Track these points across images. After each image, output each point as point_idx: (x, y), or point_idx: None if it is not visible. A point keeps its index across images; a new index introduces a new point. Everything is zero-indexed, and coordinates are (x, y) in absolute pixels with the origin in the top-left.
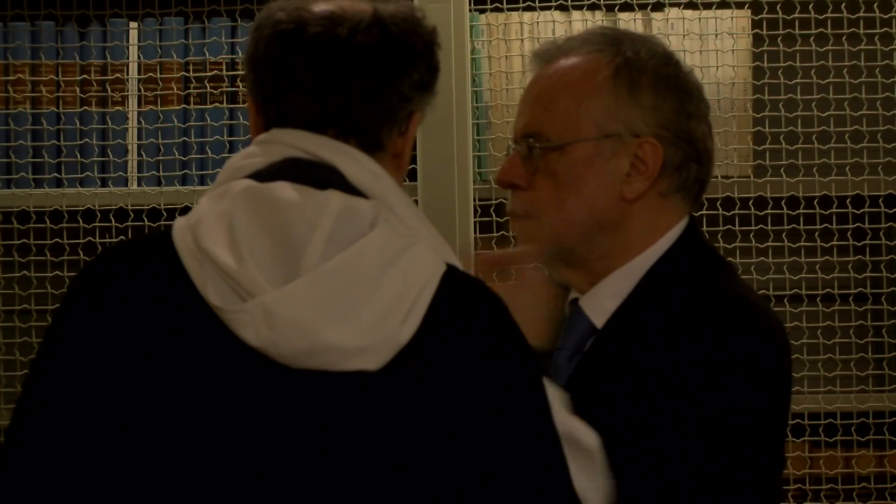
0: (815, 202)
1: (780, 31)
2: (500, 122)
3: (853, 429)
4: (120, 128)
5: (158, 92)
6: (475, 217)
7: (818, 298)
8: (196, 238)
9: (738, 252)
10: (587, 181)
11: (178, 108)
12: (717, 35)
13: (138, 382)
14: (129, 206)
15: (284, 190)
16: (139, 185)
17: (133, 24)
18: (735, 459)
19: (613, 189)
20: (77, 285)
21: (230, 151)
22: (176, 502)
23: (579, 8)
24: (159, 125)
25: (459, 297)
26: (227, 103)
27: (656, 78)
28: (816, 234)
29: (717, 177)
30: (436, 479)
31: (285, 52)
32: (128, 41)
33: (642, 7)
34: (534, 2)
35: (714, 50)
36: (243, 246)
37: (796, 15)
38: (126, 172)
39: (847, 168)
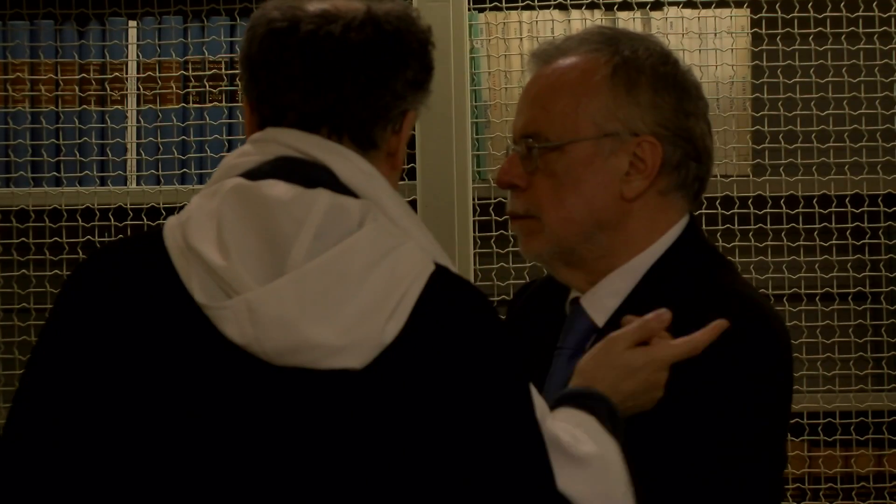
0: (814, 201)
1: (780, 30)
2: (498, 122)
3: (852, 428)
4: (119, 127)
5: (157, 91)
6: (474, 216)
7: (817, 298)
8: (185, 235)
9: (737, 251)
10: (586, 180)
11: (177, 106)
12: (716, 34)
13: (125, 379)
14: (128, 205)
15: (273, 188)
16: (138, 183)
17: (132, 23)
18: (739, 457)
19: (613, 188)
20: (69, 284)
21: (229, 150)
22: (159, 497)
23: (578, 7)
24: (158, 124)
25: (446, 298)
26: (226, 102)
27: (654, 76)
28: (815, 233)
29: (715, 176)
30: (417, 479)
31: (279, 50)
32: (127, 40)
33: (641, 6)
34: (532, 1)
35: (713, 49)
36: (230, 243)
37: (795, 14)
38: (125, 171)
39: (846, 167)
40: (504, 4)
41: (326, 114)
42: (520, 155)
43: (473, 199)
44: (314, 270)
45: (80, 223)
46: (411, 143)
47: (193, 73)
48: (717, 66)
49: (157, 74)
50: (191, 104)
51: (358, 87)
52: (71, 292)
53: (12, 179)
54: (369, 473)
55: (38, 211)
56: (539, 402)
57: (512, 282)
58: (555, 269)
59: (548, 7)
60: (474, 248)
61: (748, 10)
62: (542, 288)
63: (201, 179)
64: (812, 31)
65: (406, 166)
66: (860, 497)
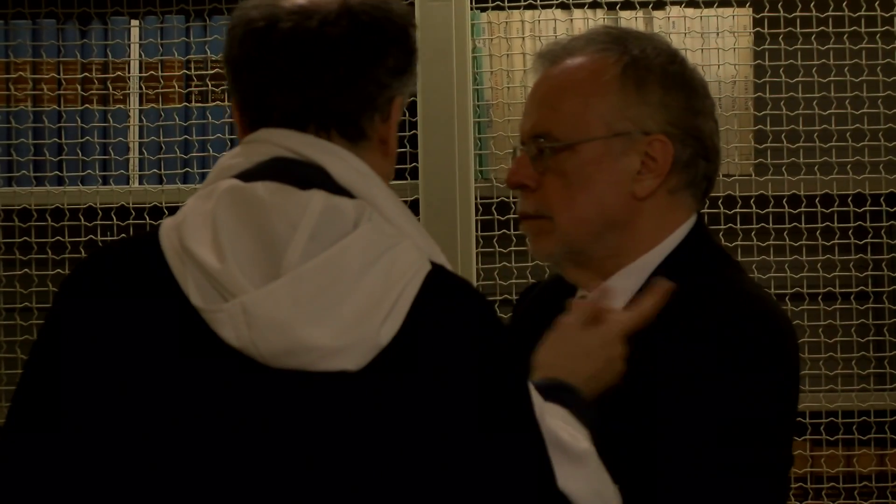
0: (817, 201)
1: (782, 30)
2: (501, 121)
3: (854, 427)
4: (121, 126)
5: (160, 90)
6: (476, 215)
7: (819, 297)
8: (180, 238)
9: (739, 250)
10: (597, 180)
11: (179, 105)
12: (718, 33)
13: (122, 382)
14: (131, 205)
15: (267, 189)
16: (140, 183)
17: (134, 22)
18: (747, 457)
19: (624, 187)
20: (67, 286)
21: (231, 149)
22: (156, 499)
23: (580, 6)
24: (161, 123)
25: (443, 297)
26: (228, 101)
27: (663, 75)
28: (818, 232)
29: (717, 175)
30: (417, 481)
31: (259, 49)
32: (129, 39)
33: (643, 5)
34: (535, 0)
35: (715, 48)
36: (226, 246)
37: (797, 13)
38: (127, 170)
39: (848, 166)
40: (506, 4)
41: (311, 110)
42: (529, 155)
43: (476, 199)
44: (309, 272)
45: (83, 222)
46: (413, 143)
47: (196, 73)
48: (719, 66)
49: (160, 73)
50: (193, 103)
51: (339, 81)
52: (68, 295)
53: (15, 178)
54: (368, 475)
55: (40, 210)
56: (538, 400)
57: (514, 281)
58: (564, 269)
59: (550, 6)
60: (476, 248)
61: (750, 9)
62: (548, 288)
63: (203, 179)
64: (814, 30)
65: (408, 165)
66: (862, 496)
